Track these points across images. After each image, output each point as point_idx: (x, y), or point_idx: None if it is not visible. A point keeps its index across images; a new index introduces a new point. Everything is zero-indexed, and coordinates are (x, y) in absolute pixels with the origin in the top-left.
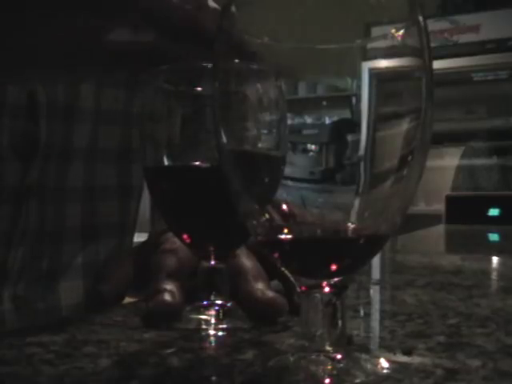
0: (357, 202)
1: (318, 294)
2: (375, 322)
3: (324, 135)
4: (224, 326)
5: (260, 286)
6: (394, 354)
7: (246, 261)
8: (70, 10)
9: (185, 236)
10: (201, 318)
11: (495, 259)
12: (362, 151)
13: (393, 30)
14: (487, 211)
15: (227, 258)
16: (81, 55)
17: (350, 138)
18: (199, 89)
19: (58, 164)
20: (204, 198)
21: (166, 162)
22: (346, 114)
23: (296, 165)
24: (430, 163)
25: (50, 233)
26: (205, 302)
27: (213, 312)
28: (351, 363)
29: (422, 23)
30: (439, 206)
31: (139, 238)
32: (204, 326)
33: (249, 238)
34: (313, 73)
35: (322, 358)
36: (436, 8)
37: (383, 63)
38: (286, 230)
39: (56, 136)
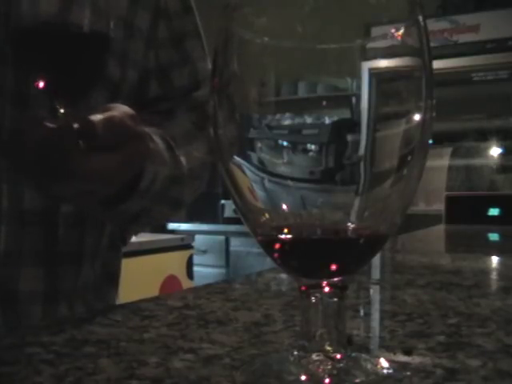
0: (357, 202)
1: (318, 294)
2: (375, 322)
3: (324, 135)
4: None
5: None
6: (394, 353)
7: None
8: None
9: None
10: None
11: (495, 259)
12: (362, 151)
13: (393, 30)
14: (487, 211)
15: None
16: None
17: (349, 138)
18: None
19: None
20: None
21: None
22: (346, 114)
23: (296, 165)
24: (429, 163)
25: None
26: None
27: None
28: (351, 363)
29: (422, 23)
30: (439, 206)
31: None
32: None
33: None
34: (313, 73)
35: (322, 357)
36: (436, 8)
37: (383, 63)
38: (285, 230)
39: None
